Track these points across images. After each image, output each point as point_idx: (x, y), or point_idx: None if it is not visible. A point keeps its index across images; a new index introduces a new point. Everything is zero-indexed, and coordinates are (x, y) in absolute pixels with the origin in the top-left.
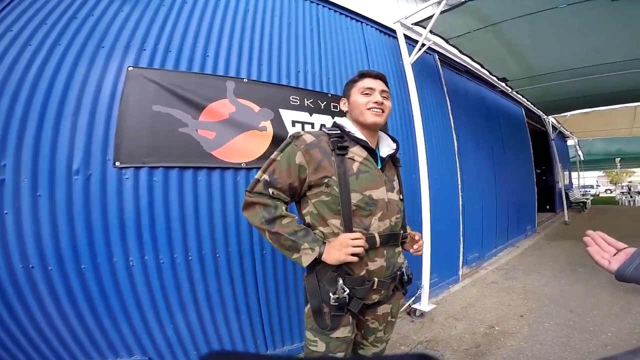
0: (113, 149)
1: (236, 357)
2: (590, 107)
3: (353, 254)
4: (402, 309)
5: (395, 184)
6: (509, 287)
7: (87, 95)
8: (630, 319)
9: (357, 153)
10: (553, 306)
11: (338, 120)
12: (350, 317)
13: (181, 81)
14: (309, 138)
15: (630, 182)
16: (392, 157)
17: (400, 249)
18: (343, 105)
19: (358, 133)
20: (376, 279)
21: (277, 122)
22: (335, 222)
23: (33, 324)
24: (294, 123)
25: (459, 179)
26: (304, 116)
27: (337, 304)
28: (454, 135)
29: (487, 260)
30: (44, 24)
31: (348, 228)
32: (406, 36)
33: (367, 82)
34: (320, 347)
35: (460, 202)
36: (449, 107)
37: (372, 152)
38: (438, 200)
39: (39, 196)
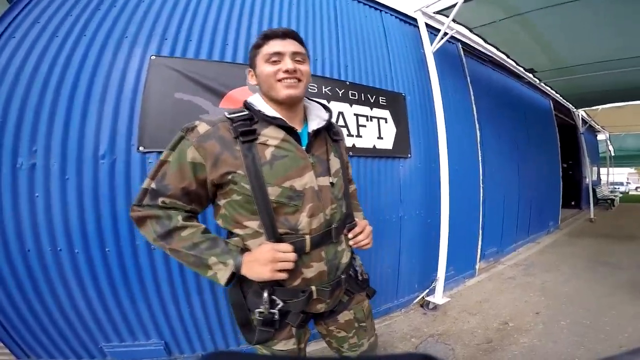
0: (137, 134)
1: (236, 357)
2: (624, 101)
3: (282, 270)
4: (416, 300)
5: (333, 164)
6: (527, 284)
7: (113, 83)
8: None
9: (271, 135)
10: (570, 304)
11: (249, 98)
12: (294, 329)
13: (202, 69)
14: (203, 128)
15: None
16: (328, 131)
17: (344, 246)
18: (251, 79)
19: (270, 110)
20: (314, 288)
21: None
22: (253, 224)
23: (57, 306)
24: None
25: (481, 170)
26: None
27: (261, 319)
28: (477, 126)
29: (506, 255)
30: (69, 15)
31: (270, 232)
32: (428, 25)
33: (274, 46)
34: (266, 353)
35: (481, 195)
36: (472, 97)
37: (293, 130)
38: (458, 191)
39: (67, 179)
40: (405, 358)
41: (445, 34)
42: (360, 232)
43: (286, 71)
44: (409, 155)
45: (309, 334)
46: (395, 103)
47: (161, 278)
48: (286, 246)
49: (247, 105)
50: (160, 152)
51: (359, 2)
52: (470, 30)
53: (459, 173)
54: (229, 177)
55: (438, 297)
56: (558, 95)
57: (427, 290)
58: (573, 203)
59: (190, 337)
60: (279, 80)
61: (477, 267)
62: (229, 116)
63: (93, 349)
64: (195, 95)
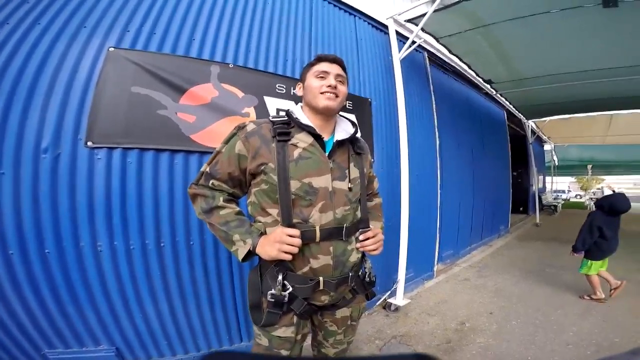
0: (86, 128)
1: (236, 357)
2: (570, 114)
3: (287, 252)
4: (378, 302)
5: (350, 172)
6: (481, 285)
7: (63, 74)
8: (591, 319)
9: (301, 139)
10: (521, 305)
11: (291, 107)
12: (294, 317)
13: (164, 63)
14: (250, 127)
15: (599, 188)
16: (352, 143)
17: (353, 246)
18: (298, 90)
19: (304, 119)
20: (322, 279)
21: (261, 109)
22: (274, 211)
23: None
24: (278, 111)
25: (439, 176)
26: (289, 105)
27: (273, 300)
28: (437, 133)
29: (461, 257)
30: (25, 2)
31: (286, 219)
32: (398, 33)
33: (323, 66)
34: (264, 341)
35: (439, 200)
36: (434, 105)
37: (320, 138)
38: (417, 196)
39: (2, 174)
40: (401, 358)
41: (414, 42)
42: (371, 237)
43: (329, 86)
44: (372, 159)
45: (307, 330)
46: (361, 108)
47: (109, 280)
48: (293, 230)
49: (287, 113)
50: (111, 148)
51: (335, 5)
52: (437, 40)
53: (419, 178)
54: (262, 167)
55: (399, 299)
56: (511, 106)
57: (389, 292)
58: (521, 209)
59: (144, 342)
60: (322, 93)
61: (435, 269)
62: (271, 119)
63: (36, 356)
64: (154, 89)
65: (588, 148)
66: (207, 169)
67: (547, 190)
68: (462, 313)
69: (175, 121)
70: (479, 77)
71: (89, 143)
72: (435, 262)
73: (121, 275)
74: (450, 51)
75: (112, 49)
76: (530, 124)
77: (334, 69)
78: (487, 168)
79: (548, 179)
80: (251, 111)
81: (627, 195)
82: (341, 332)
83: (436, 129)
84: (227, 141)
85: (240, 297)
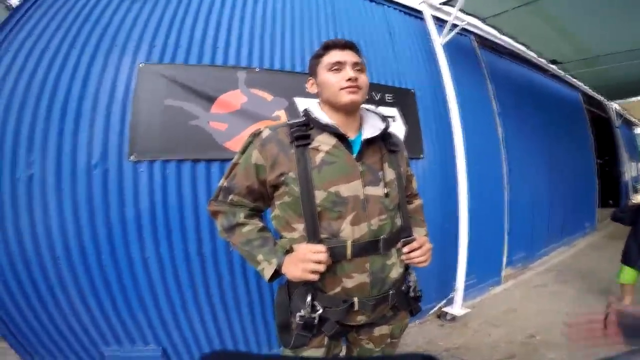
0: (128, 143)
1: (236, 357)
2: None
3: (314, 271)
4: (433, 311)
5: (387, 174)
6: (559, 292)
7: (103, 94)
8: None
9: (323, 141)
10: None
11: (309, 105)
12: (327, 338)
13: (191, 74)
14: (265, 133)
15: None
16: (385, 140)
17: (394, 260)
18: (311, 87)
19: (324, 117)
20: (356, 300)
21: (292, 110)
22: (300, 226)
23: (59, 311)
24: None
25: (505, 169)
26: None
27: (302, 322)
28: (498, 121)
29: (536, 260)
30: (60, 28)
31: (312, 235)
32: (435, 17)
33: (335, 56)
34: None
35: (506, 196)
36: (492, 91)
37: (345, 138)
38: (479, 193)
39: (62, 190)
40: (406, 358)
41: (455, 25)
42: (418, 249)
43: (349, 79)
44: (422, 155)
45: (339, 349)
46: (404, 100)
47: (156, 285)
48: (319, 247)
49: (305, 113)
50: (151, 161)
51: None
52: (483, 21)
53: (480, 173)
54: (282, 178)
55: (456, 308)
56: (587, 87)
57: (446, 300)
58: (611, 202)
59: (188, 344)
60: (342, 88)
61: (502, 274)
62: (289, 122)
63: (94, 352)
64: (186, 101)
65: None
66: (225, 184)
67: None
68: (532, 324)
69: (208, 131)
70: (541, 58)
71: (132, 157)
72: (504, 267)
73: (167, 280)
74: (501, 32)
75: (142, 64)
76: (614, 105)
77: (348, 56)
78: (565, 157)
79: None
80: (282, 114)
81: None
82: (378, 350)
83: (497, 117)
84: (243, 151)
85: None
